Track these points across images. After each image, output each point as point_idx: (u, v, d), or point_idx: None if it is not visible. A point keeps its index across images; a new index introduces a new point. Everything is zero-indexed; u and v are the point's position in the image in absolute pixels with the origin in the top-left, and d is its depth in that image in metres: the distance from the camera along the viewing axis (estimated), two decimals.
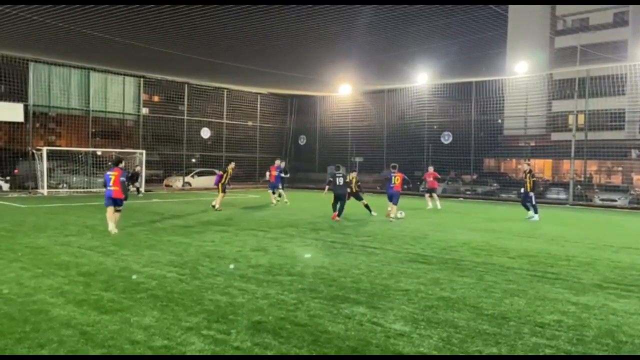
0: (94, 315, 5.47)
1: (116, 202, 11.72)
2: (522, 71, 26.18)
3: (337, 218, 14.97)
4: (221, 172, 18.42)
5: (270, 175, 20.04)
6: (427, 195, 20.40)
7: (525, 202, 16.80)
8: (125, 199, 11.93)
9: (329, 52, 19.74)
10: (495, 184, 27.94)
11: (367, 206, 16.62)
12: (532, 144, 30.23)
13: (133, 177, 23.68)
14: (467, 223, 15.16)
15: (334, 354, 4.59)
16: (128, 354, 4.47)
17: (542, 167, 34.72)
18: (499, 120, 29.36)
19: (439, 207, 19.75)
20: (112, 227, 11.56)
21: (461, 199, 26.29)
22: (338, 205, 15.16)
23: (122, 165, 12.31)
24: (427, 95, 28.53)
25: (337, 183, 15.23)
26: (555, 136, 29.03)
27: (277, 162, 20.56)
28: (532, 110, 27.71)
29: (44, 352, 4.43)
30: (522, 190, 17.01)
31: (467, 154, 26.90)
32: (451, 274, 7.90)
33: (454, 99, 28.94)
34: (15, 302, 5.90)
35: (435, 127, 28.83)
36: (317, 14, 14.30)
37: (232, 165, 18.61)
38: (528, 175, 16.46)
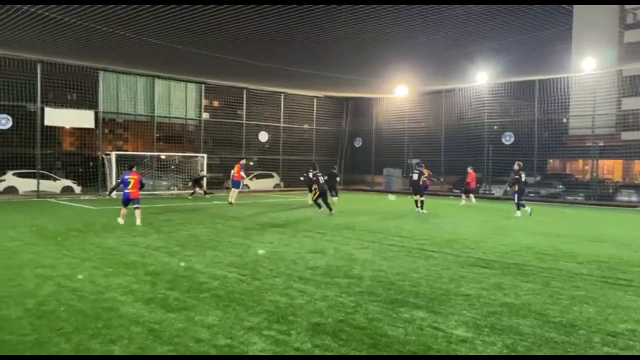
0: (160, 313, 5.69)
1: (134, 202, 13.49)
2: (589, 68, 24.93)
3: (334, 212, 16.88)
4: (311, 175, 20.18)
5: (235, 174, 20.75)
6: (465, 195, 22.41)
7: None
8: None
9: (386, 54, 19.59)
10: (560, 186, 26.74)
11: (418, 202, 18.31)
12: (601, 143, 28.70)
13: (198, 181, 24.72)
14: (530, 226, 14.60)
15: (396, 354, 4.56)
16: (193, 352, 4.62)
17: (611, 168, 32.92)
18: (564, 120, 28.09)
19: (472, 203, 21.74)
20: (122, 221, 13.35)
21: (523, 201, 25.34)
22: (325, 200, 17.22)
23: (135, 168, 14.07)
24: (487, 95, 27.72)
25: (321, 181, 17.31)
26: (626, 135, 27.42)
27: (244, 161, 21.35)
28: (600, 109, 26.31)
29: (116, 348, 4.66)
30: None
31: (529, 155, 25.90)
32: (515, 279, 7.64)
33: (516, 98, 27.95)
34: (88, 299, 6.23)
35: (495, 127, 27.97)
36: (374, 14, 14.25)
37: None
38: (513, 173, 17.83)
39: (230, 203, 20.14)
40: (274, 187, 31.56)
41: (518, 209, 17.39)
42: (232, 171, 21.13)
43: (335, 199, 21.90)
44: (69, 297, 6.31)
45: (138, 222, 13.34)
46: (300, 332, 5.15)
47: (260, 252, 9.60)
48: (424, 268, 8.40)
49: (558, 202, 25.00)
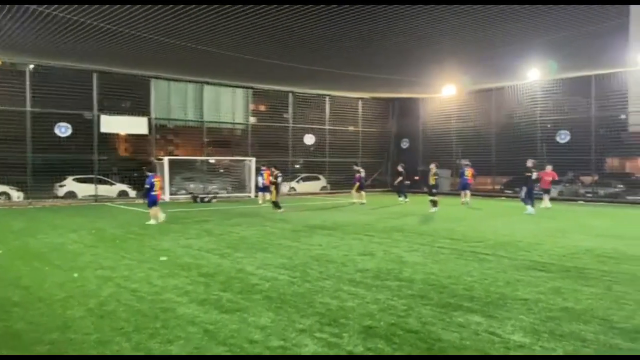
0: (215, 314, 5.80)
1: (157, 203, 14.69)
2: None
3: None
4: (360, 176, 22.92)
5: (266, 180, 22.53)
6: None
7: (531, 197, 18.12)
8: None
9: (432, 54, 19.29)
10: (620, 185, 25.50)
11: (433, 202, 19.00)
12: None
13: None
14: (589, 228, 14.00)
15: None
16: (248, 352, 4.68)
17: None
18: (623, 116, 26.76)
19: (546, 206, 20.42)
20: (162, 217, 14.61)
21: (581, 202, 24.37)
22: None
23: (156, 172, 15.52)
24: (540, 92, 26.81)
25: (279, 182, 18.96)
26: None
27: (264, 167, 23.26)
28: None
29: (172, 348, 4.78)
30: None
31: (586, 154, 24.86)
32: (574, 283, 7.34)
33: (571, 95, 26.87)
34: (146, 300, 6.43)
35: (549, 125, 26.98)
36: (419, 14, 14.07)
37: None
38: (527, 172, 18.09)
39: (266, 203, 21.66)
40: (321, 189, 31.67)
41: (532, 206, 17.97)
42: (263, 176, 22.61)
43: (402, 199, 23.45)
44: (128, 297, 6.53)
45: (153, 221, 14.42)
46: (352, 335, 5.13)
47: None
48: (478, 271, 8.20)
49: (618, 202, 23.89)
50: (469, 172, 22.95)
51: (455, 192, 28.74)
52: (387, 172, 34.44)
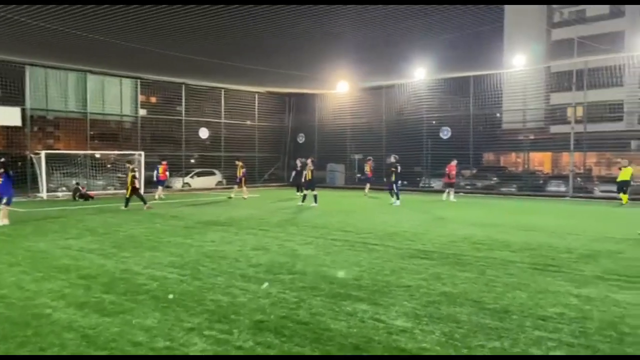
0: (95, 317, 5.46)
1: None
2: (519, 64, 26.10)
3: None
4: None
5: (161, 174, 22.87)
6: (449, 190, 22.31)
7: (390, 189, 20.16)
8: None
9: (326, 50, 19.68)
10: (494, 178, 27.91)
11: (314, 197, 19.03)
12: (532, 137, 30.18)
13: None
14: (467, 218, 15.15)
15: (336, 353, 4.59)
16: (130, 355, 4.45)
17: (541, 160, 34.68)
18: (498, 115, 29.30)
19: (444, 199, 21.79)
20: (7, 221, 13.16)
21: (461, 193, 26.21)
22: (140, 195, 18.18)
23: None
24: (425, 91, 28.44)
25: (137, 177, 18.53)
26: (554, 129, 28.94)
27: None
28: (531, 104, 27.66)
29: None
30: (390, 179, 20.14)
31: (466, 149, 26.86)
32: (452, 269, 7.90)
33: (452, 94, 28.87)
34: (16, 306, 5.88)
35: (433, 122, 28.76)
36: (314, 12, 14.27)
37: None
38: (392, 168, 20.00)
39: (161, 198, 21.49)
40: (216, 184, 31.04)
41: (398, 198, 19.65)
42: (158, 170, 22.34)
43: (300, 193, 23.09)
44: None
45: (6, 221, 13.21)
46: (242, 330, 5.09)
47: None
48: (367, 261, 8.52)
49: (493, 193, 26.08)
50: (367, 166, 25.44)
51: (348, 186, 29.71)
52: (283, 167, 34.60)
